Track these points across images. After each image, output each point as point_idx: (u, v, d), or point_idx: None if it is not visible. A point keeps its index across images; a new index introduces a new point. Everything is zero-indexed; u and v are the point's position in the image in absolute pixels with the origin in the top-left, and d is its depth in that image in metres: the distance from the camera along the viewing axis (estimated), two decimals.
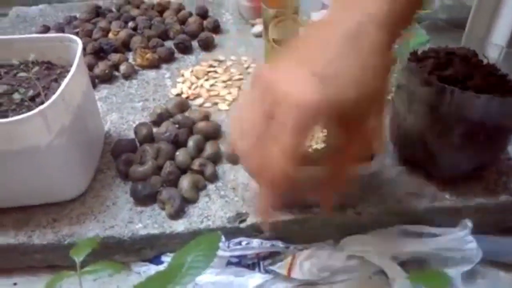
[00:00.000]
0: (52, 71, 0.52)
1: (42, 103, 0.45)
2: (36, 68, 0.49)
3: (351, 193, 0.47)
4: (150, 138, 0.57)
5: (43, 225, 0.48)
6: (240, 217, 0.48)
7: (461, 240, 0.46)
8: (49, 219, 0.49)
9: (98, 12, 0.84)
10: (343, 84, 0.31)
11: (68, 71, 0.51)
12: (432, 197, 0.50)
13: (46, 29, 0.80)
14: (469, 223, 0.47)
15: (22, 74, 0.48)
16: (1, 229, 0.48)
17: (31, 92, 0.47)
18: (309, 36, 0.35)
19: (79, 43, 0.49)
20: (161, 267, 0.48)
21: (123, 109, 0.64)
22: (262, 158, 0.32)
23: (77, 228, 0.48)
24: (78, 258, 0.29)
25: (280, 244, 0.48)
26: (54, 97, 0.42)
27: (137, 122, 0.60)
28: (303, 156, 0.33)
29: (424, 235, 0.48)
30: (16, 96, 0.45)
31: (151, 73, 0.71)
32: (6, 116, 0.44)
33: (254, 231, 0.48)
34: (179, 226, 0.48)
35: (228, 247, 0.47)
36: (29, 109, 0.45)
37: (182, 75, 0.70)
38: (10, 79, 0.50)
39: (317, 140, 0.48)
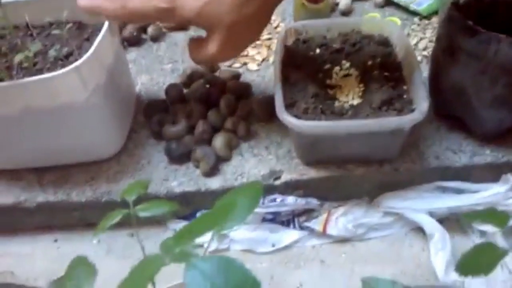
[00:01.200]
0: (83, 31, 0.52)
1: (76, 61, 0.46)
2: (69, 26, 0.48)
3: (388, 148, 0.46)
4: (181, 98, 0.57)
5: (81, 183, 0.49)
6: (275, 174, 0.48)
7: (502, 195, 0.45)
8: (86, 177, 0.50)
9: None
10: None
11: (99, 31, 0.51)
12: (472, 153, 0.48)
13: None
14: (511, 178, 0.45)
15: (55, 32, 0.48)
16: (41, 187, 0.50)
17: (65, 51, 0.47)
18: None
19: None
20: None
21: (153, 71, 0.64)
22: None
23: (114, 186, 0.49)
24: (130, 198, 0.29)
25: (315, 201, 0.48)
26: (88, 54, 0.42)
27: (166, 83, 0.60)
28: None
29: (464, 191, 0.47)
30: (51, 53, 0.45)
31: (179, 35, 0.70)
32: (41, 74, 0.44)
33: (288, 188, 0.48)
34: (214, 183, 0.48)
35: (263, 203, 0.47)
36: (64, 67, 0.45)
37: None
38: (43, 38, 0.50)
39: (353, 96, 0.47)
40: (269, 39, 0.68)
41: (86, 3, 0.45)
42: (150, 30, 0.69)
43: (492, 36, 0.41)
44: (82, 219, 0.50)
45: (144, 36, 0.70)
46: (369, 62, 0.50)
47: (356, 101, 0.47)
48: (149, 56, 0.67)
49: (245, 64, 0.64)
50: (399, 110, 0.44)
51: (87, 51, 0.47)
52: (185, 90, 0.58)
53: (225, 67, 0.63)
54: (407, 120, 0.42)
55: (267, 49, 0.66)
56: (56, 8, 0.51)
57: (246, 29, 0.43)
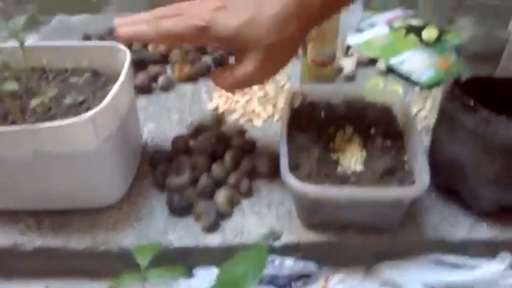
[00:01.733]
0: (98, 79, 0.53)
1: (89, 109, 0.47)
2: (86, 75, 0.50)
3: (388, 218, 0.47)
4: (186, 150, 0.58)
5: (80, 230, 0.49)
6: (274, 235, 0.48)
7: (500, 274, 0.45)
8: (86, 224, 0.50)
9: None
10: (231, 17, 0.43)
11: (113, 80, 0.53)
12: (470, 227, 0.49)
13: (88, 38, 0.82)
14: (508, 256, 0.46)
15: (72, 79, 0.49)
16: (39, 231, 0.49)
17: (80, 98, 0.48)
18: None
19: (127, 52, 0.51)
20: (192, 281, 0.48)
21: (160, 120, 0.65)
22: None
23: (114, 234, 0.49)
24: (143, 262, 0.29)
25: (312, 266, 0.48)
26: (104, 104, 0.43)
27: (173, 134, 0.61)
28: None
29: (460, 266, 0.48)
30: (67, 100, 0.47)
31: (188, 87, 0.73)
32: (55, 120, 0.45)
33: (288, 250, 0.48)
34: (213, 240, 0.48)
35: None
36: (77, 114, 0.47)
37: (219, 90, 0.71)
38: (58, 84, 0.52)
39: (356, 162, 0.48)
40: (275, 97, 0.70)
41: (124, 33, 0.47)
42: (160, 79, 0.71)
43: (492, 116, 0.43)
44: (78, 266, 0.50)
45: (154, 85, 0.72)
46: (372, 130, 0.52)
47: (358, 167, 0.48)
48: (157, 105, 0.68)
49: (250, 120, 0.65)
50: (400, 181, 0.45)
51: (100, 99, 0.48)
52: (191, 142, 0.59)
53: (231, 122, 0.65)
54: (408, 194, 0.43)
55: (273, 107, 0.68)
56: (74, 55, 0.53)
57: (284, 50, 0.44)
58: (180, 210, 0.50)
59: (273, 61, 0.44)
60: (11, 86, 0.40)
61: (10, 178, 0.47)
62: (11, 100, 0.43)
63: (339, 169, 0.48)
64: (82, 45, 0.57)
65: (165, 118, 0.66)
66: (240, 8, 0.43)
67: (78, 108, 0.48)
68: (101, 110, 0.43)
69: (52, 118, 0.46)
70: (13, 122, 0.46)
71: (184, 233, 0.49)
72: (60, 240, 0.48)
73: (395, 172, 0.46)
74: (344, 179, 0.46)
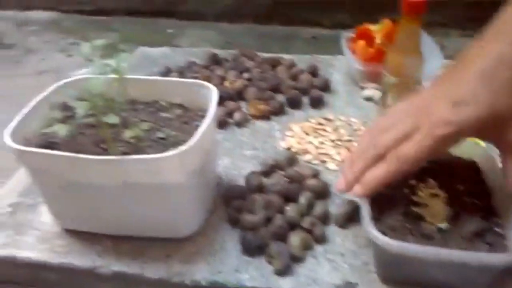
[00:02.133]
0: (184, 113, 0.55)
1: (176, 143, 0.49)
2: (178, 111, 0.52)
3: (475, 282, 0.44)
4: (260, 188, 0.58)
5: (156, 259, 0.50)
6: (350, 286, 0.47)
7: None
8: (162, 254, 0.51)
9: (215, 60, 0.90)
10: (474, 105, 0.41)
11: (198, 115, 0.55)
12: None
13: (168, 71, 0.86)
14: None
15: (164, 114, 0.52)
16: (117, 256, 0.51)
17: (172, 133, 0.50)
18: (450, 69, 0.45)
19: (214, 91, 0.53)
20: None
21: (234, 155, 0.66)
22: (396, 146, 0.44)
23: (187, 267, 0.49)
24: None
25: None
26: (193, 140, 0.45)
27: (246, 169, 0.62)
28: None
29: None
30: (159, 134, 0.49)
31: (262, 124, 0.74)
32: (144, 152, 0.48)
33: None
34: (286, 284, 0.47)
35: None
36: (165, 147, 0.49)
37: (291, 129, 0.72)
38: (146, 116, 0.54)
39: (441, 219, 0.46)
40: (349, 140, 0.69)
41: (363, 192, 0.45)
42: (236, 115, 0.73)
43: None
44: None
45: (229, 120, 0.74)
46: (458, 186, 0.49)
47: (444, 225, 0.46)
48: (232, 140, 0.70)
49: (323, 162, 0.65)
50: (491, 245, 0.42)
51: (185, 133, 0.50)
52: (264, 180, 0.59)
53: (303, 163, 0.65)
54: (500, 261, 0.40)
55: (347, 150, 0.67)
56: (165, 89, 0.56)
57: None
58: (253, 249, 0.50)
59: None
60: (113, 119, 0.42)
61: (96, 203, 0.49)
62: (107, 130, 0.46)
63: (423, 225, 0.46)
64: (173, 81, 0.60)
65: (239, 154, 0.67)
66: (478, 93, 0.41)
67: (165, 141, 0.50)
68: (190, 147, 0.44)
69: (141, 149, 0.48)
70: (105, 150, 0.49)
71: (256, 274, 0.48)
72: (136, 267, 0.49)
73: (485, 235, 0.43)
74: (429, 236, 0.44)
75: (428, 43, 0.81)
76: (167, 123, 0.53)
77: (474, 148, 0.55)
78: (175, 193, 0.47)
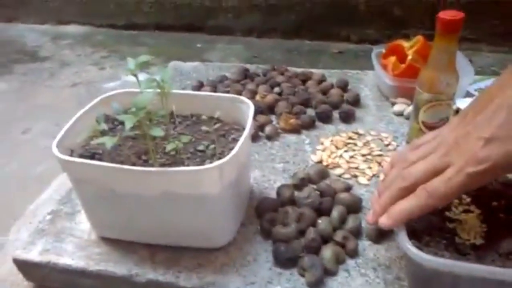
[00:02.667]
0: (221, 127, 0.57)
1: (213, 155, 0.50)
2: (217, 125, 0.54)
3: None
4: (291, 201, 0.59)
5: (189, 268, 0.51)
6: None
7: None
8: (195, 263, 0.52)
9: (246, 74, 0.92)
10: (508, 144, 0.39)
11: (234, 129, 0.56)
12: None
13: (201, 85, 0.89)
14: None
15: (203, 127, 0.53)
16: (152, 265, 0.52)
17: (211, 146, 0.52)
18: (480, 101, 0.44)
19: (250, 105, 0.54)
20: None
21: (265, 168, 0.67)
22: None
23: (220, 277, 0.50)
24: None
25: None
26: (232, 153, 0.46)
27: (277, 182, 0.63)
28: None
29: None
30: (199, 147, 0.50)
31: (292, 138, 0.75)
32: (183, 163, 0.49)
33: None
34: None
35: None
36: (202, 159, 0.50)
37: (322, 143, 0.73)
38: (184, 129, 0.56)
39: (475, 235, 0.46)
40: (380, 155, 0.69)
41: (395, 219, 0.44)
42: (267, 129, 0.74)
43: None
44: None
45: (260, 133, 0.75)
46: (493, 203, 0.49)
47: (478, 242, 0.45)
48: (262, 153, 0.71)
49: (355, 176, 0.65)
50: None
51: (222, 146, 0.52)
52: (296, 193, 0.60)
53: (334, 177, 0.65)
54: None
55: (378, 165, 0.67)
56: (204, 103, 0.58)
57: None
58: (285, 261, 0.51)
59: None
60: (158, 132, 0.44)
61: (134, 213, 0.51)
62: (151, 142, 0.47)
63: (458, 240, 0.45)
64: (211, 95, 0.61)
65: (270, 167, 0.68)
66: (510, 129, 0.40)
67: (203, 153, 0.52)
68: (229, 159, 0.45)
69: (181, 161, 0.50)
70: (146, 161, 0.51)
71: (288, 286, 0.49)
72: (171, 276, 0.51)
73: None
74: (463, 252, 0.44)
75: (459, 59, 0.81)
76: (204, 136, 0.55)
77: None
78: (212, 204, 0.48)
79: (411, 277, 0.47)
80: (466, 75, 0.77)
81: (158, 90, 0.48)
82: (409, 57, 0.80)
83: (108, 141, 0.44)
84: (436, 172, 0.42)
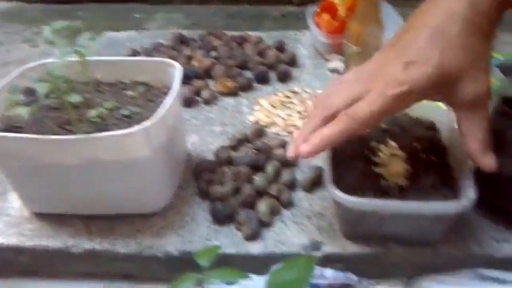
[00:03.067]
0: (148, 92, 0.56)
1: (141, 120, 0.49)
2: (141, 89, 0.52)
3: (431, 232, 0.46)
4: (229, 161, 0.59)
5: (126, 235, 0.51)
6: (316, 245, 0.49)
7: None
8: (132, 230, 0.52)
9: (182, 40, 0.90)
10: (423, 65, 0.40)
11: (163, 92, 0.55)
12: None
13: (135, 53, 0.86)
14: None
15: (128, 92, 0.52)
16: (88, 235, 0.52)
17: (135, 110, 0.50)
18: (401, 30, 0.45)
19: (178, 68, 0.53)
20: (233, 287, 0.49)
21: (203, 132, 0.67)
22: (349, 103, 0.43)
23: (158, 240, 0.50)
24: (204, 263, 0.31)
25: (353, 277, 0.48)
26: (157, 116, 0.45)
27: (215, 145, 0.63)
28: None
29: (503, 281, 0.46)
30: (124, 112, 0.49)
31: (230, 100, 0.75)
32: (109, 130, 0.48)
33: (328, 261, 0.48)
34: (254, 248, 0.49)
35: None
36: (130, 125, 0.49)
37: (259, 104, 0.73)
38: (111, 96, 0.55)
39: (400, 176, 0.48)
40: None
41: (314, 145, 0.43)
42: (204, 93, 0.74)
43: None
44: (123, 269, 0.52)
45: (197, 98, 0.74)
46: (416, 145, 0.51)
47: (402, 182, 0.48)
48: (200, 117, 0.71)
49: (290, 133, 0.66)
50: (445, 196, 0.45)
51: (150, 110, 0.51)
52: (233, 153, 0.60)
53: (271, 135, 0.66)
54: (454, 207, 0.42)
55: None
56: (128, 69, 0.56)
57: (484, 61, 0.42)
58: (222, 218, 0.52)
59: (483, 72, 0.41)
60: (75, 98, 0.43)
61: (64, 184, 0.50)
62: (71, 110, 0.46)
63: (383, 182, 0.48)
64: (137, 60, 0.60)
65: (208, 130, 0.68)
66: (428, 52, 0.41)
67: (129, 119, 0.51)
68: (154, 122, 0.45)
69: (107, 128, 0.49)
70: (70, 131, 0.49)
71: (226, 241, 0.50)
72: (108, 244, 0.50)
73: (440, 188, 0.46)
74: (387, 192, 0.46)
75: (389, 12, 0.82)
76: (131, 101, 0.53)
77: (431, 109, 0.57)
78: (142, 168, 0.47)
79: (340, 221, 0.49)
80: (395, 27, 0.79)
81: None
82: (341, 14, 0.81)
83: (23, 111, 0.42)
84: (358, 100, 0.42)
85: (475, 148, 0.43)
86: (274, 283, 0.28)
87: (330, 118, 0.43)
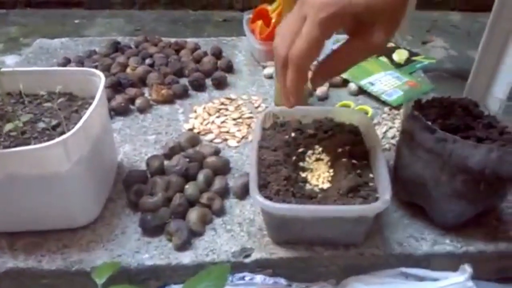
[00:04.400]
0: (73, 102, 0.55)
1: (63, 132, 0.48)
2: (61, 99, 0.51)
3: (353, 233, 0.48)
4: (161, 171, 0.59)
5: (53, 250, 0.50)
6: (245, 252, 0.49)
7: (461, 285, 0.47)
8: (59, 244, 0.50)
9: (117, 47, 0.89)
10: None
11: (88, 103, 0.54)
12: (433, 242, 0.51)
13: (67, 61, 0.84)
14: (468, 268, 0.47)
15: (46, 104, 0.51)
16: (12, 253, 0.50)
17: (53, 122, 0.49)
18: None
19: (101, 77, 0.52)
20: None
21: (136, 141, 0.66)
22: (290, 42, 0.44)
23: (86, 255, 0.49)
24: (100, 280, 0.30)
25: (282, 281, 0.49)
26: (76, 127, 0.44)
27: (149, 154, 0.62)
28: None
29: (424, 278, 0.49)
30: (41, 125, 0.48)
31: (165, 108, 0.74)
32: (29, 143, 0.47)
33: (258, 267, 0.49)
34: (185, 258, 0.49)
35: (232, 281, 0.48)
36: (51, 137, 0.48)
37: (195, 111, 0.73)
38: (34, 108, 0.53)
39: (323, 180, 0.50)
40: (250, 117, 0.72)
41: (294, 100, 0.46)
42: (138, 101, 0.73)
43: (449, 137, 0.45)
44: (51, 286, 0.50)
45: (132, 107, 0.73)
46: (339, 149, 0.53)
47: (325, 186, 0.50)
48: (134, 126, 0.70)
49: (225, 140, 0.67)
50: (364, 198, 0.47)
51: (75, 122, 0.50)
52: (166, 162, 0.60)
53: (206, 142, 0.66)
54: (370, 209, 0.44)
55: (247, 127, 0.69)
56: (49, 80, 0.55)
57: (400, 13, 0.44)
58: (152, 229, 0.51)
59: (394, 27, 0.44)
60: None
61: None
62: None
63: (307, 187, 0.49)
64: (58, 70, 0.58)
65: (142, 139, 0.67)
66: None
67: (52, 132, 0.49)
68: (72, 134, 0.44)
69: (26, 142, 0.47)
70: None
71: (156, 253, 0.50)
72: (33, 261, 0.49)
73: (360, 189, 0.48)
74: (311, 197, 0.48)
75: None
76: (54, 113, 0.52)
77: (355, 114, 0.60)
78: (64, 182, 0.46)
79: (267, 226, 0.50)
80: None
81: None
82: (273, 20, 0.82)
83: None
84: (297, 33, 0.44)
85: (328, 66, 0.47)
86: None
87: (286, 67, 0.45)
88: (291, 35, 0.44)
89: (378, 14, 0.43)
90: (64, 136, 0.43)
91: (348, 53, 0.46)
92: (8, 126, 0.45)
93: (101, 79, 0.52)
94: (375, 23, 0.43)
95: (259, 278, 0.48)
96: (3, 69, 0.46)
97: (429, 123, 0.47)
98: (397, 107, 0.73)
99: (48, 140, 0.47)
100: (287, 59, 0.44)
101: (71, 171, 0.46)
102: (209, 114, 0.72)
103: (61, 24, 1.64)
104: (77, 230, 0.52)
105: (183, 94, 0.77)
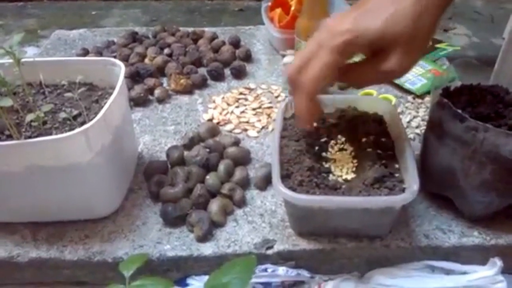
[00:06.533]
0: (94, 92, 0.54)
1: (84, 122, 0.48)
2: (81, 89, 0.51)
3: (379, 225, 0.47)
4: (181, 161, 0.58)
5: (75, 241, 0.50)
6: (267, 243, 0.49)
7: (490, 279, 0.45)
8: (81, 235, 0.50)
9: (135, 38, 0.88)
10: (372, 19, 0.42)
11: (108, 93, 0.54)
12: (461, 234, 0.49)
13: (86, 52, 0.84)
14: (498, 262, 0.46)
15: (67, 94, 0.50)
16: (34, 243, 0.50)
17: (74, 112, 0.49)
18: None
19: (122, 67, 0.52)
20: None
21: (156, 132, 0.66)
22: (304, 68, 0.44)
23: (108, 246, 0.49)
24: (127, 272, 0.30)
25: (305, 274, 0.48)
26: (97, 117, 0.44)
27: (168, 145, 0.62)
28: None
29: (452, 272, 0.48)
30: (62, 115, 0.47)
31: (184, 98, 0.74)
32: (50, 134, 0.47)
33: (281, 259, 0.48)
34: (207, 249, 0.49)
35: (254, 273, 0.47)
36: (71, 127, 0.48)
37: (214, 101, 0.72)
38: (54, 98, 0.53)
39: (347, 171, 0.49)
40: (270, 107, 0.71)
41: (305, 123, 0.48)
42: (157, 92, 0.72)
43: (479, 125, 0.44)
44: (73, 277, 0.50)
45: (150, 97, 0.73)
46: (363, 139, 0.52)
47: (349, 176, 0.48)
48: (153, 117, 0.69)
49: (245, 130, 0.66)
50: (390, 189, 0.45)
51: (95, 112, 0.49)
52: (185, 153, 0.59)
53: (226, 132, 0.66)
54: (397, 200, 0.43)
55: (267, 117, 0.68)
56: (69, 70, 0.54)
57: (421, 41, 0.43)
58: (174, 220, 0.51)
59: (413, 54, 0.43)
60: (6, 102, 0.41)
61: (5, 192, 0.48)
62: (7, 115, 0.44)
63: (331, 178, 0.48)
64: (78, 60, 0.58)
65: (161, 130, 0.67)
66: (379, 6, 0.42)
67: (73, 122, 0.49)
68: (93, 124, 0.43)
69: (47, 132, 0.47)
70: (9, 136, 0.47)
71: (178, 243, 0.49)
72: (55, 251, 0.49)
73: (385, 180, 0.46)
74: (335, 188, 0.46)
75: (338, 4, 0.83)
76: (74, 103, 0.52)
77: (379, 103, 0.58)
78: (85, 173, 0.46)
79: (290, 218, 0.49)
80: None
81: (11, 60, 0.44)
82: (292, 8, 0.81)
83: None
84: (311, 58, 0.44)
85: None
86: (211, 286, 0.27)
87: (296, 91, 0.45)
88: (305, 61, 0.44)
89: (395, 41, 0.42)
90: (85, 126, 0.43)
91: (359, 74, 0.46)
92: (30, 117, 0.45)
93: (121, 69, 0.52)
94: (391, 49, 0.42)
95: (281, 270, 0.48)
96: (23, 59, 0.46)
97: (459, 111, 0.45)
98: (421, 96, 0.71)
99: (69, 130, 0.47)
100: (297, 82, 0.44)
101: (92, 162, 0.45)
102: (228, 104, 0.71)
103: (78, 15, 1.64)
104: (98, 221, 0.52)
105: (202, 84, 0.76)
